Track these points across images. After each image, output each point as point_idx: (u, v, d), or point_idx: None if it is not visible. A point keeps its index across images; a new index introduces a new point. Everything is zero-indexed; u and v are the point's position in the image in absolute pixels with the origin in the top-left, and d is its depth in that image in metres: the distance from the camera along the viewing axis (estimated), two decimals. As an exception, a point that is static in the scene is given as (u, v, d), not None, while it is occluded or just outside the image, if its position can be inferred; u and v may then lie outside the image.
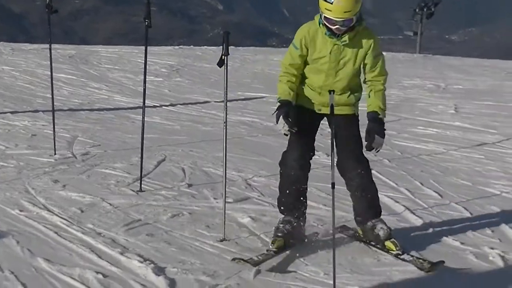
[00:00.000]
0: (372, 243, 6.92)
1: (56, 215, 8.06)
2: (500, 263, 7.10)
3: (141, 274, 6.47)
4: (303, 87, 6.80)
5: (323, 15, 6.29)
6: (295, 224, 6.87)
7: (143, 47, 9.93)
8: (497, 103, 17.51)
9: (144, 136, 9.72)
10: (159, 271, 6.53)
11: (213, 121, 14.65)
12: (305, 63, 6.69)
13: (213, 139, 12.33)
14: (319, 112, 6.76)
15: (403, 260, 6.49)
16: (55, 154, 10.93)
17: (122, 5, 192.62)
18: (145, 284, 6.29)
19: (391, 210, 8.76)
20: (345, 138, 6.75)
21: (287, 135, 6.57)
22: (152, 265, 6.63)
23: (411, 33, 47.55)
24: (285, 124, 6.38)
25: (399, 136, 13.51)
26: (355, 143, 6.75)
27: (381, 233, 6.70)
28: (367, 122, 6.54)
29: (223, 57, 7.62)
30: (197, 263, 6.72)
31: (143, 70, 9.73)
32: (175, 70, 22.51)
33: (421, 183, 10.13)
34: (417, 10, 42.80)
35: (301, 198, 6.91)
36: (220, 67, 7.75)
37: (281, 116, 6.39)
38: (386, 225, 6.77)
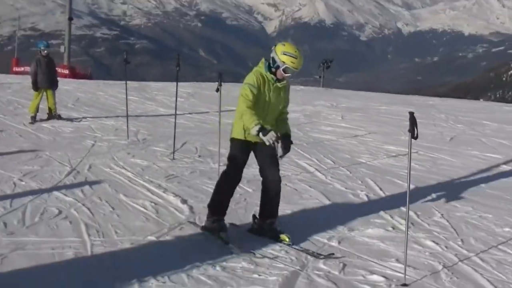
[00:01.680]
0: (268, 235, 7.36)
1: (129, 171, 10.64)
2: (365, 199, 9.41)
3: (174, 203, 8.70)
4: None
5: (285, 65, 6.91)
6: (222, 222, 7.35)
7: (175, 82, 12.70)
8: (364, 114, 20.37)
9: (176, 130, 12.73)
10: (184, 201, 8.75)
11: (212, 122, 17.34)
12: None
13: (212, 132, 15.07)
14: (251, 141, 7.21)
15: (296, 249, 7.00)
16: (128, 139, 14.08)
17: (162, 59, 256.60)
18: (176, 208, 8.45)
19: (307, 171, 11.30)
20: (270, 155, 7.19)
21: (272, 144, 6.77)
22: (180, 198, 8.90)
23: (317, 76, 56.03)
24: (274, 135, 6.67)
25: (312, 131, 16.41)
26: (276, 159, 7.26)
27: (278, 228, 7.33)
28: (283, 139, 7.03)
29: (218, 87, 9.93)
30: (204, 197, 8.77)
31: (175, 94, 12.58)
32: (191, 95, 25.53)
33: (323, 156, 12.82)
34: (320, 64, 51.82)
35: (227, 205, 7.41)
36: (217, 92, 10.04)
37: (271, 131, 6.69)
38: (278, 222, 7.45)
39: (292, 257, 6.81)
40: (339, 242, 7.42)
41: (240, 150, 7.30)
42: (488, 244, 7.57)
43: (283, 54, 6.98)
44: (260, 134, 6.75)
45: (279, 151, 7.08)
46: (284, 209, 8.42)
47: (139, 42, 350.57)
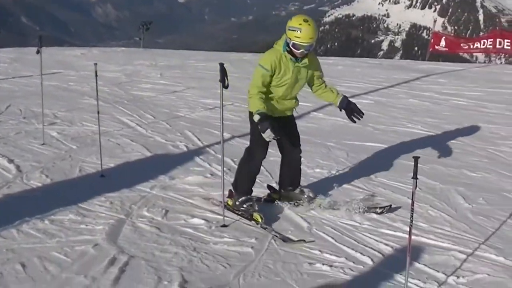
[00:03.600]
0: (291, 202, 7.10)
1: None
2: (185, 149, 9.55)
3: (1, 163, 8.76)
4: (266, 99, 6.57)
5: (291, 41, 6.27)
6: (254, 199, 6.89)
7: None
8: (182, 71, 20.13)
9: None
10: (10, 161, 8.60)
11: (35, 85, 15.42)
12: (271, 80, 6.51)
13: (35, 94, 14.00)
14: (277, 116, 6.71)
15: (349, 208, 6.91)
16: None
17: None
18: (3, 168, 8.29)
19: (128, 126, 11.38)
20: (292, 130, 6.94)
21: (270, 141, 6.46)
22: (6, 158, 8.71)
23: (137, 38, 57.53)
24: (271, 133, 6.22)
25: (132, 89, 15.98)
26: (296, 133, 6.99)
27: (311, 194, 7.13)
28: (345, 103, 6.84)
29: (38, 49, 9.65)
30: (31, 156, 8.87)
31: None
32: (14, 60, 24.86)
33: (144, 111, 12.80)
34: (140, 26, 52.20)
35: (253, 183, 7.00)
36: (37, 53, 9.87)
37: (269, 129, 6.21)
38: (311, 191, 7.19)
39: (117, 207, 6.93)
40: (162, 190, 7.60)
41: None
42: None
43: (289, 29, 6.32)
44: (259, 127, 6.30)
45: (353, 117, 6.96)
46: (107, 162, 8.58)
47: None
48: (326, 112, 13.16)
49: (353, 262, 5.71)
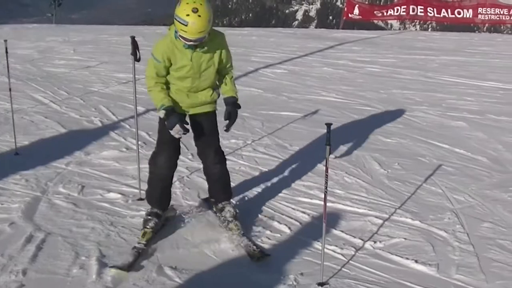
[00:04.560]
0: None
1: None
2: (99, 124, 9.43)
3: None
4: (170, 93, 5.55)
5: (178, 33, 5.12)
6: (161, 215, 5.72)
7: None
8: (96, 45, 19.36)
9: None
10: None
11: None
12: (168, 71, 5.45)
13: None
14: (187, 113, 5.69)
15: (239, 244, 5.43)
16: None
17: None
18: None
19: (42, 103, 11.05)
20: (207, 132, 5.75)
21: (180, 138, 5.52)
22: None
23: (49, 14, 54.70)
24: (181, 129, 5.33)
25: (45, 65, 15.35)
26: (215, 136, 5.84)
27: (227, 214, 5.73)
28: (226, 105, 5.65)
29: None
30: None
31: None
32: None
33: (57, 88, 12.56)
34: (51, 2, 50.35)
35: (167, 193, 5.87)
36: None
37: (178, 124, 5.31)
38: (233, 208, 5.84)
39: (32, 184, 6.80)
40: (77, 166, 7.50)
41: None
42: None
43: (175, 19, 5.11)
44: (166, 123, 5.40)
45: (225, 127, 5.66)
46: (21, 140, 8.37)
47: None
48: (240, 83, 13.13)
49: (270, 231, 5.76)
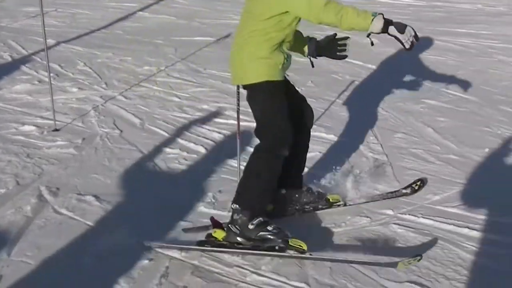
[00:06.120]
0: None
1: None
2: (9, 59, 9.09)
3: None
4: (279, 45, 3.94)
5: None
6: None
7: None
8: None
9: None
10: None
11: None
12: None
13: None
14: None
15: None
16: None
17: None
18: None
19: None
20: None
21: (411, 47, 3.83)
22: None
23: None
24: (412, 30, 3.86)
25: None
26: None
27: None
28: None
29: None
30: None
31: None
32: None
33: None
34: None
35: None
36: None
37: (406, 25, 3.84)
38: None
39: None
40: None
41: (279, 98, 4.06)
42: (130, 83, 7.95)
43: None
44: (393, 30, 3.79)
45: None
46: None
47: None
48: (152, 11, 12.97)
49: (187, 152, 5.78)
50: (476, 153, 5.77)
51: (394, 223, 4.44)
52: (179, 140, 6.07)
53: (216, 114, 6.82)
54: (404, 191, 4.92)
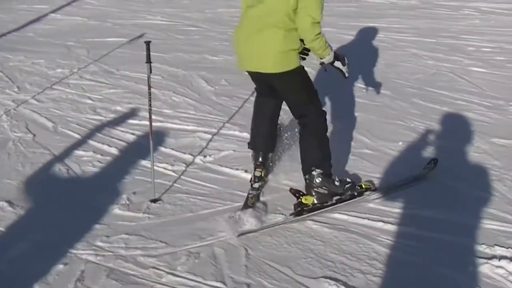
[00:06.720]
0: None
1: None
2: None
3: None
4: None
5: None
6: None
7: None
8: None
9: None
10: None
11: None
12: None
13: None
14: None
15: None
16: None
17: None
18: None
19: None
20: None
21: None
22: None
23: None
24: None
25: None
26: None
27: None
28: None
29: None
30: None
31: None
32: None
33: None
34: None
35: None
36: None
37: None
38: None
39: None
40: None
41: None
42: (43, 86, 7.85)
43: None
44: (338, 64, 4.61)
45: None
46: None
47: None
48: (64, 12, 12.80)
49: (101, 155, 5.75)
50: (390, 146, 5.88)
51: (309, 219, 4.51)
52: (93, 143, 6.04)
53: (129, 115, 6.80)
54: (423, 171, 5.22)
